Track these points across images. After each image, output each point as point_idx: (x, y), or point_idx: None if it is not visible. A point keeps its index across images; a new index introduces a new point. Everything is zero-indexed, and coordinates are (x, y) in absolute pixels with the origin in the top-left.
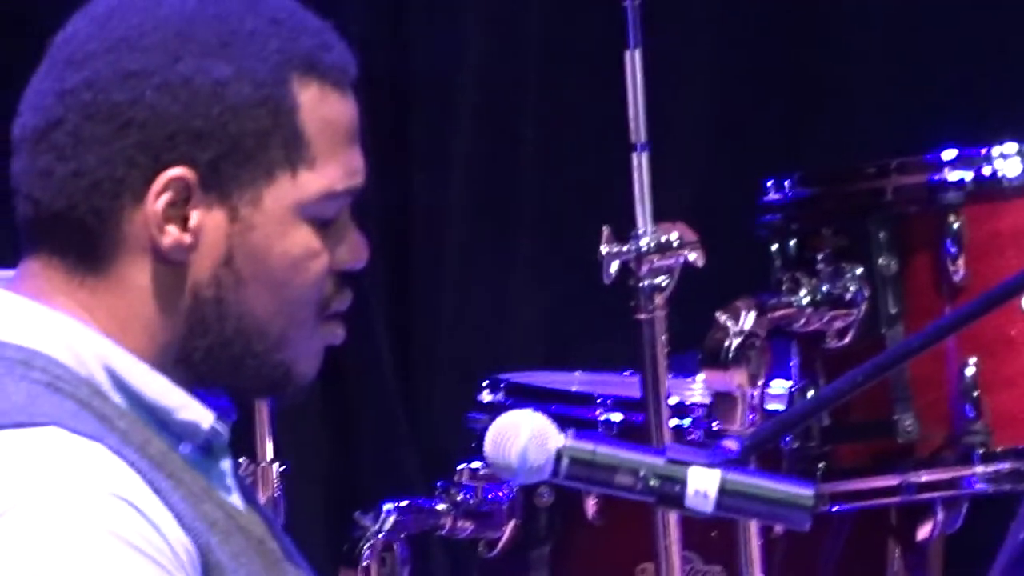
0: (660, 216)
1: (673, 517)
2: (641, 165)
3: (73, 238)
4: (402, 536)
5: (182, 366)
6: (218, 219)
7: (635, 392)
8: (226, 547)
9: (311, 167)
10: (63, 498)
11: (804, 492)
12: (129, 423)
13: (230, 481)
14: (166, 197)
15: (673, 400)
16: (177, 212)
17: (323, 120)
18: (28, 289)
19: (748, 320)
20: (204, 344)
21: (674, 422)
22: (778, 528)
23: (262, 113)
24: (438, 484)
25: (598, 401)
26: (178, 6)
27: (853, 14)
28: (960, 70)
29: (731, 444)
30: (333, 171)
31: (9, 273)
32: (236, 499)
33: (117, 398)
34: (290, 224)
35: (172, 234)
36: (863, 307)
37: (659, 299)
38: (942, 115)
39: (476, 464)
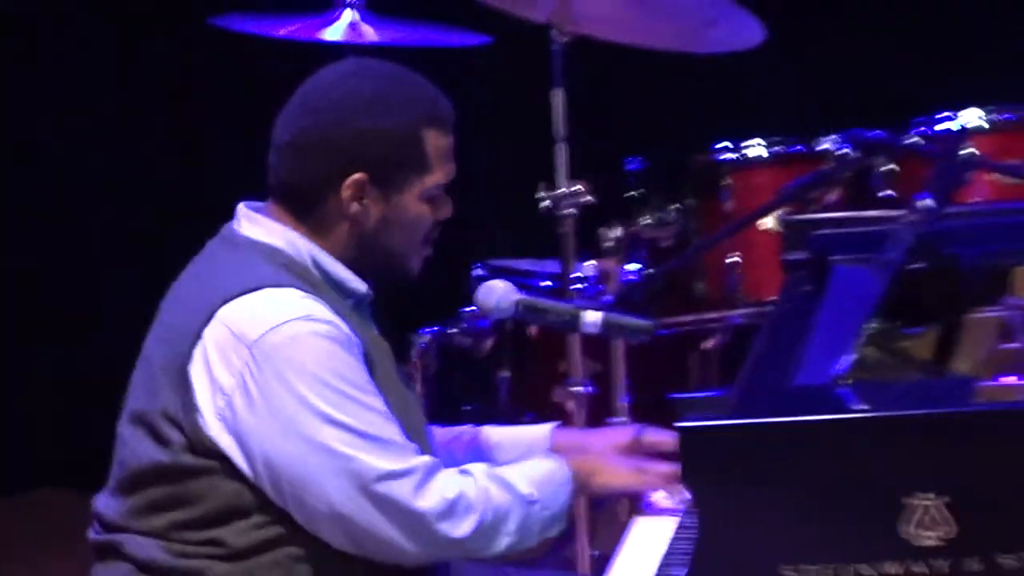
0: (574, 175)
1: (577, 337)
2: (561, 153)
3: (299, 200)
4: (434, 344)
5: (352, 264)
6: (380, 201)
7: (558, 270)
8: (378, 359)
9: (430, 173)
10: (305, 323)
11: (646, 323)
12: (323, 287)
13: (371, 324)
14: (352, 190)
15: (578, 273)
16: (357, 196)
17: (437, 148)
18: (272, 216)
19: (617, 231)
20: (364, 255)
21: (577, 286)
22: (633, 343)
23: (408, 147)
24: (459, 313)
25: (538, 275)
26: (366, 85)
27: None
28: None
29: (607, 298)
30: (440, 175)
31: (261, 204)
32: (376, 334)
33: (316, 274)
34: (416, 202)
35: (355, 207)
36: (679, 224)
37: (570, 222)
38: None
39: (473, 307)
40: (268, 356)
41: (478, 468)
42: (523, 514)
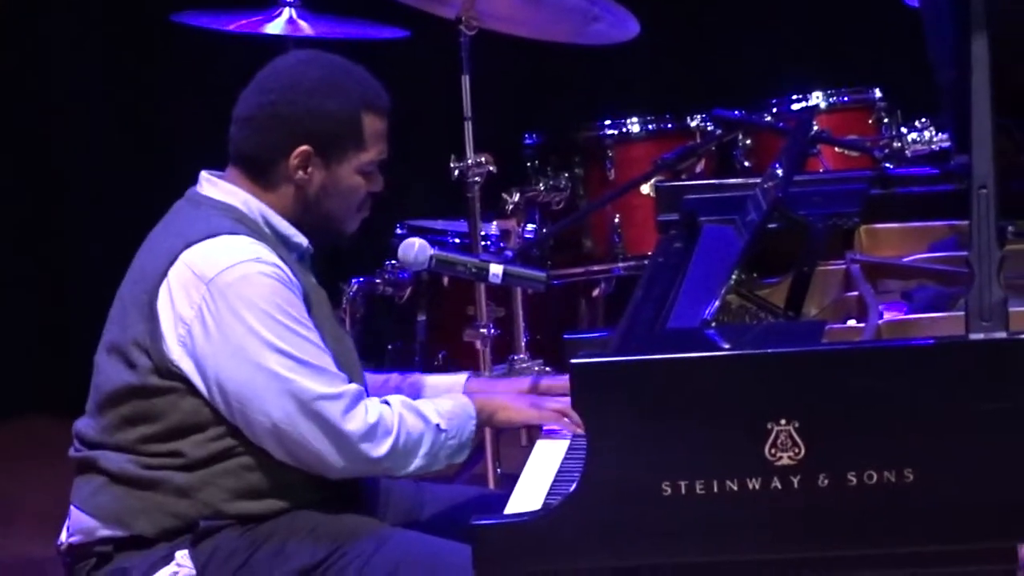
0: (480, 148)
1: (483, 285)
2: (468, 129)
3: (254, 166)
4: (361, 292)
5: (297, 223)
6: (322, 171)
7: (467, 229)
8: (316, 302)
9: (366, 150)
10: (255, 264)
11: (542, 274)
12: (272, 240)
13: (311, 274)
14: (298, 160)
15: (483, 232)
16: (303, 165)
17: (373, 130)
18: (230, 181)
19: (516, 196)
20: (307, 216)
21: (483, 243)
22: (530, 292)
23: (348, 127)
24: (383, 265)
25: (450, 233)
26: (315, 72)
27: None
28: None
29: (508, 253)
30: (374, 153)
31: (222, 172)
32: (315, 282)
33: (266, 230)
34: (352, 175)
35: (301, 175)
36: (569, 190)
37: (476, 188)
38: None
39: (394, 260)
40: (222, 292)
41: (396, 399)
42: (432, 441)
